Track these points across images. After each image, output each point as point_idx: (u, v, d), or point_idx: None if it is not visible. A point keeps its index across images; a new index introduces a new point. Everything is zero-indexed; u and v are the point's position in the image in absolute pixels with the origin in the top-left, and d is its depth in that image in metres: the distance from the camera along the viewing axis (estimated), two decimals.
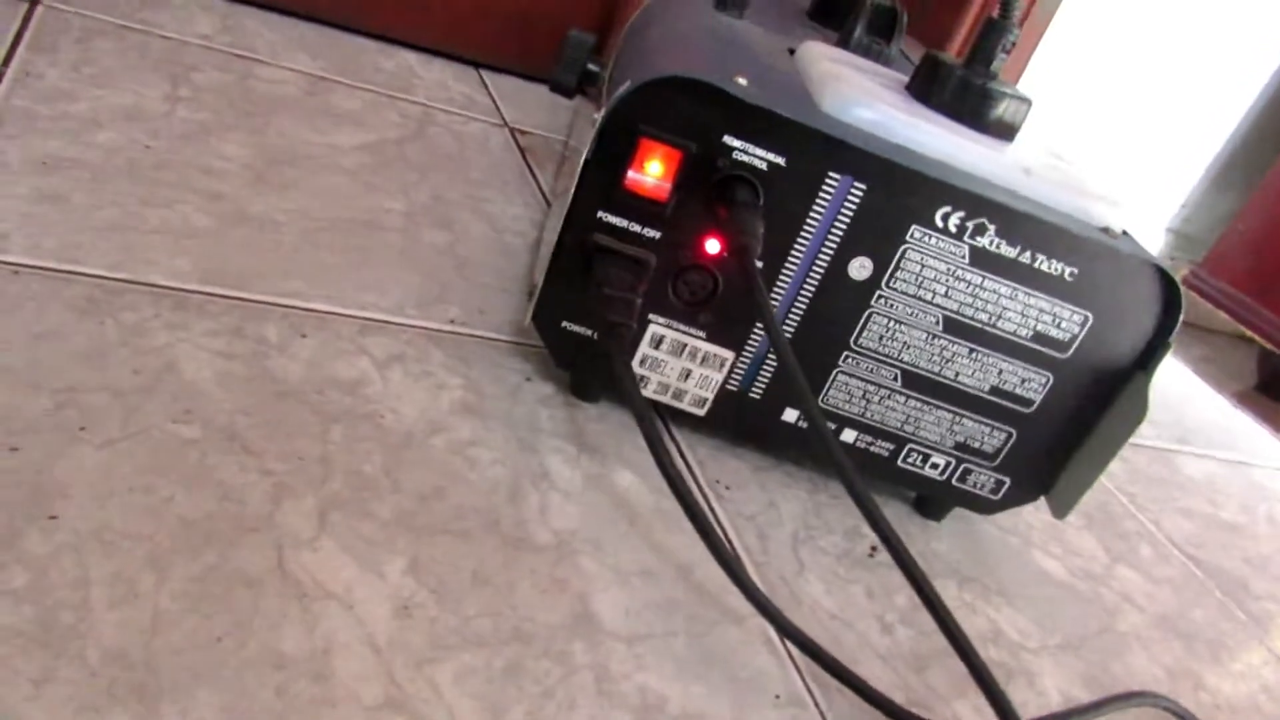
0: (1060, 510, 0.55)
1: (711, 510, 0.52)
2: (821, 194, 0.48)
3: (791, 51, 0.59)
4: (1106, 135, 1.06)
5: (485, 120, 0.89)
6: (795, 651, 0.44)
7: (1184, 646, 0.58)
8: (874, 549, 0.54)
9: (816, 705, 0.42)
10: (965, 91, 0.53)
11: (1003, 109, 0.53)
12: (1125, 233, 0.53)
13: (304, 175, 0.66)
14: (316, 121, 0.75)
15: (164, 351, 0.46)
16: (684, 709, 0.39)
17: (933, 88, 0.54)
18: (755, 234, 0.47)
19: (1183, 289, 0.50)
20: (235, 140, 0.67)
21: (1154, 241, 1.16)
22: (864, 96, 0.50)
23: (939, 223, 0.49)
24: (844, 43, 0.64)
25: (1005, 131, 0.54)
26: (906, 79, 0.56)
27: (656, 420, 0.45)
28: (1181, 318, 0.51)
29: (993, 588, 0.55)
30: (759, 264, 0.50)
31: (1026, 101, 0.54)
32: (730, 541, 0.50)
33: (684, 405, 0.54)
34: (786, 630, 0.41)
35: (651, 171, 0.48)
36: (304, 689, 0.34)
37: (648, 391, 0.54)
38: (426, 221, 0.67)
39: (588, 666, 0.39)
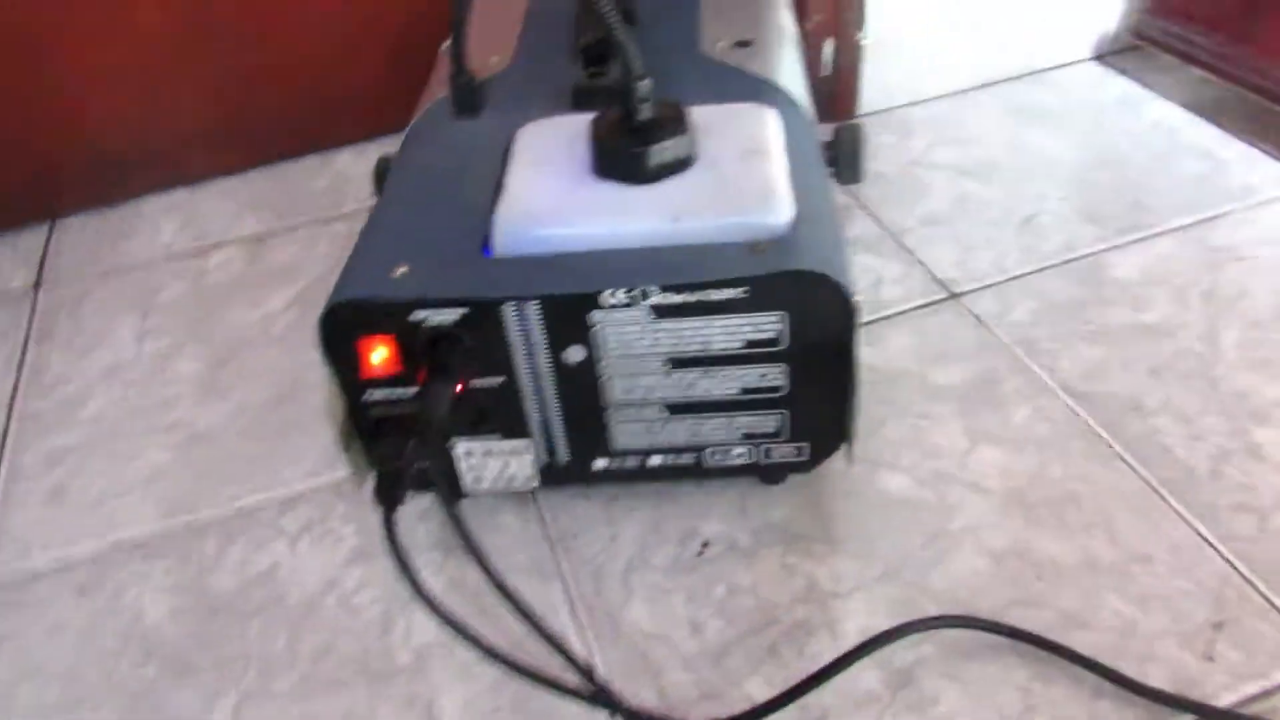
0: (849, 454, 0.62)
1: (559, 565, 0.64)
2: (508, 320, 0.58)
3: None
4: None
5: None
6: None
7: (1023, 519, 0.63)
8: (704, 546, 0.64)
9: None
10: (619, 159, 0.59)
11: (660, 156, 0.59)
12: (792, 225, 0.57)
13: (243, 366, 0.82)
14: (254, 294, 0.90)
15: (133, 605, 0.64)
16: None
17: (600, 162, 0.61)
18: (444, 393, 0.57)
19: (847, 287, 0.55)
20: (189, 355, 0.84)
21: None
22: (528, 216, 0.58)
23: (611, 301, 0.57)
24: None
25: (677, 168, 0.60)
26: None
27: (411, 565, 0.57)
28: (856, 298, 0.56)
29: (819, 537, 0.64)
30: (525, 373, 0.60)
31: (685, 136, 0.60)
32: (570, 594, 0.62)
33: (518, 487, 0.66)
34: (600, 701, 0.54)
35: (379, 358, 0.59)
36: None
37: (484, 487, 0.66)
38: None
39: None
